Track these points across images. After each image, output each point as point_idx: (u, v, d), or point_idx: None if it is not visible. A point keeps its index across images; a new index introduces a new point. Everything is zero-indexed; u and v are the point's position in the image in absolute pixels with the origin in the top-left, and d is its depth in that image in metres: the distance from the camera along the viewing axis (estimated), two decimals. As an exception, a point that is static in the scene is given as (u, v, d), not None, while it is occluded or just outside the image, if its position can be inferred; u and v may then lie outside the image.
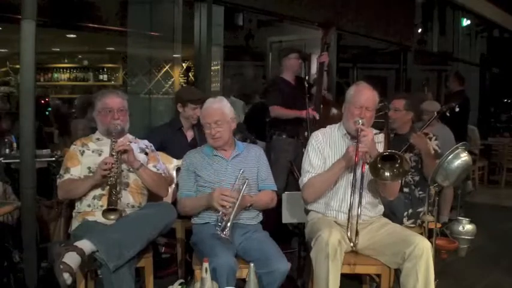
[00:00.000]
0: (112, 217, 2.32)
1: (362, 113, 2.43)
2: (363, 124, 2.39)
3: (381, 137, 2.60)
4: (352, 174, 2.44)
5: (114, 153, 2.41)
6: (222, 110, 2.54)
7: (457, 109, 3.17)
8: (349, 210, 2.34)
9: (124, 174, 2.52)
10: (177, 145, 3.13)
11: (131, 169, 2.55)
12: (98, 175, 2.39)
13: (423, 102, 4.54)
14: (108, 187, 2.38)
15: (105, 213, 2.31)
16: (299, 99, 3.92)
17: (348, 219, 2.34)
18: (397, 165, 2.27)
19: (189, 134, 3.31)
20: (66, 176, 2.49)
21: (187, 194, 2.55)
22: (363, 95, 2.47)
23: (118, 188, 2.39)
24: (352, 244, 2.34)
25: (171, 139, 3.20)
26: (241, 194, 2.36)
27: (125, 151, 2.46)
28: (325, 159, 2.54)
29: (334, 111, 3.92)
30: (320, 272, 2.21)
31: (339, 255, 2.21)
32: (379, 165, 2.27)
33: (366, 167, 2.34)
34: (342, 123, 2.59)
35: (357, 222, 2.33)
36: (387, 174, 2.29)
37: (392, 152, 2.28)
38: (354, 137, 2.43)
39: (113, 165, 2.37)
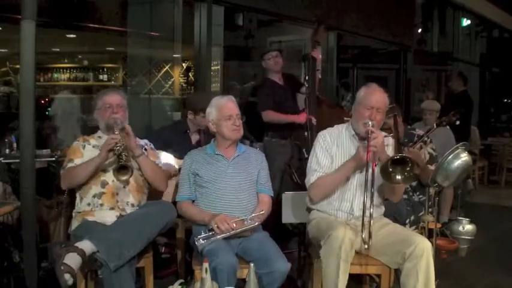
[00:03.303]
0: (124, 178, 2.33)
1: (372, 115, 2.40)
2: (372, 126, 2.36)
3: (390, 140, 2.60)
4: (360, 175, 2.44)
5: (116, 132, 2.44)
6: (237, 106, 2.63)
7: (458, 122, 3.14)
8: (363, 212, 2.32)
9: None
10: (181, 147, 3.11)
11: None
12: (104, 151, 2.41)
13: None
14: (110, 181, 2.42)
15: (116, 173, 2.32)
16: (289, 99, 3.89)
17: (362, 220, 2.31)
18: (408, 168, 2.25)
19: (194, 138, 3.31)
20: (70, 165, 2.49)
21: (188, 197, 2.57)
22: (374, 96, 2.45)
23: (126, 152, 2.41)
24: (366, 246, 2.31)
25: (175, 141, 3.18)
26: (242, 229, 2.37)
27: (126, 131, 2.47)
28: (332, 158, 2.53)
29: (326, 109, 3.87)
30: (330, 270, 2.21)
31: (350, 254, 2.22)
32: (390, 169, 2.26)
33: (376, 168, 2.32)
34: (350, 124, 2.58)
35: (370, 224, 2.31)
36: (399, 177, 2.27)
37: (403, 156, 2.27)
38: (363, 138, 2.42)
39: (118, 140, 2.39)
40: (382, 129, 2.60)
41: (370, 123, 2.38)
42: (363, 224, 2.31)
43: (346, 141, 2.56)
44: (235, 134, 2.56)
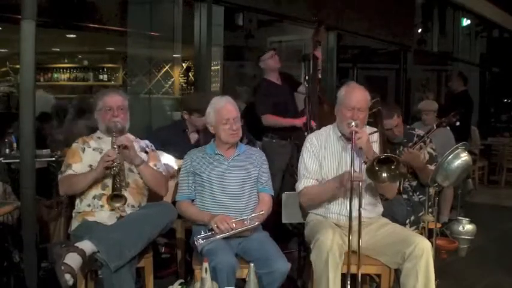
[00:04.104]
0: (117, 204, 2.33)
1: (354, 115, 2.40)
2: (356, 126, 2.36)
3: (375, 136, 2.59)
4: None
5: (115, 146, 2.43)
6: (236, 107, 2.60)
7: (458, 123, 3.15)
8: (350, 214, 2.31)
9: (125, 173, 2.52)
10: (180, 147, 3.11)
11: (131, 168, 2.55)
12: (100, 168, 2.40)
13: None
14: (110, 183, 2.40)
15: (110, 200, 2.31)
16: (288, 99, 3.88)
17: (350, 223, 2.30)
18: (393, 166, 2.26)
19: (193, 137, 3.30)
20: (68, 172, 2.49)
21: (187, 197, 2.57)
22: (354, 96, 2.44)
23: (122, 177, 2.41)
24: (352, 248, 2.30)
25: (173, 140, 3.18)
26: (242, 228, 2.37)
27: (126, 147, 2.46)
28: (321, 162, 2.53)
29: (327, 108, 3.87)
30: (321, 275, 2.21)
31: (339, 257, 2.21)
32: (377, 168, 2.26)
33: (363, 167, 2.32)
34: (336, 125, 2.58)
35: (360, 227, 2.31)
36: (385, 175, 2.28)
37: (388, 155, 2.27)
38: (349, 138, 2.42)
39: (115, 158, 2.38)
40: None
41: (353, 123, 2.37)
42: (350, 227, 2.29)
43: (333, 142, 2.56)
44: (232, 138, 2.56)
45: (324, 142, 2.56)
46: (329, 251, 2.18)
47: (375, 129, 2.63)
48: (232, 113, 2.55)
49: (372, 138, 2.51)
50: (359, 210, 2.32)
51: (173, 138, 3.21)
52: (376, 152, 2.46)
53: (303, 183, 2.52)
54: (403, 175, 2.36)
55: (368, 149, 2.36)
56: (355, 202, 2.33)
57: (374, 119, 2.88)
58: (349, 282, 2.27)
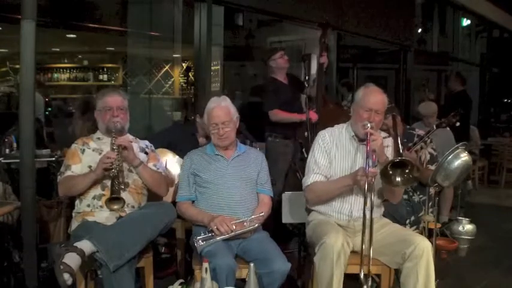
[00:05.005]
0: (115, 207, 2.32)
1: (371, 117, 2.39)
2: (371, 128, 2.35)
3: (389, 141, 2.59)
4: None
5: (115, 148, 2.43)
6: (228, 110, 2.57)
7: (458, 124, 3.13)
8: (364, 210, 2.30)
9: (124, 174, 2.52)
10: (188, 148, 3.09)
11: (131, 168, 2.55)
12: (100, 169, 2.40)
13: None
14: (109, 184, 2.39)
15: (108, 203, 2.31)
16: (295, 98, 3.89)
17: (363, 223, 2.29)
18: (407, 170, 2.25)
19: (202, 141, 3.29)
20: (67, 173, 2.49)
21: (188, 198, 2.57)
22: (372, 98, 2.43)
23: (120, 179, 2.41)
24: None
25: (182, 140, 3.18)
26: (242, 231, 2.36)
27: (125, 148, 2.46)
28: (332, 160, 2.52)
29: (332, 108, 3.90)
30: (324, 277, 2.21)
31: (343, 260, 2.21)
32: (390, 172, 2.26)
33: (376, 169, 2.31)
34: (349, 124, 2.56)
35: (372, 227, 2.30)
36: (398, 179, 2.27)
37: (403, 159, 2.26)
38: (362, 139, 2.42)
39: (114, 159, 2.38)
40: (380, 129, 2.60)
41: (369, 125, 2.36)
42: (364, 226, 2.29)
43: (345, 142, 2.54)
44: (221, 141, 2.55)
45: (336, 140, 2.55)
46: (335, 254, 2.17)
47: (387, 134, 2.63)
48: (219, 117, 2.52)
49: (385, 143, 2.50)
50: (371, 208, 2.31)
51: (184, 139, 3.22)
52: (388, 157, 2.44)
53: (311, 178, 2.49)
54: (417, 179, 2.35)
55: (381, 152, 2.35)
56: (361, 201, 2.33)
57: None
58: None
